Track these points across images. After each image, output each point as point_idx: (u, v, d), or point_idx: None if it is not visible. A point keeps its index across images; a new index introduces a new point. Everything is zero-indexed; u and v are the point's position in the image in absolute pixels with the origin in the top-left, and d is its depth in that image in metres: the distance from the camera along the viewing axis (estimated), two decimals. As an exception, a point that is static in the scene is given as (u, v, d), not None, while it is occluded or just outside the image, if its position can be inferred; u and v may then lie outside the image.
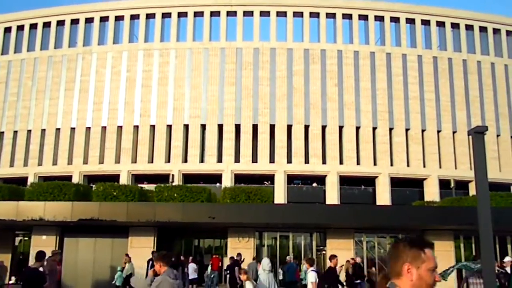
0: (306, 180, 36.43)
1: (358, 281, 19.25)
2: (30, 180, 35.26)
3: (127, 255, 21.57)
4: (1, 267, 15.41)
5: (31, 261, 15.62)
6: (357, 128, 36.47)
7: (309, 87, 36.67)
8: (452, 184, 32.32)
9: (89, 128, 37.77)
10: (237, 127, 36.18)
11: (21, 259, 26.53)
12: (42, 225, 24.75)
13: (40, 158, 38.04)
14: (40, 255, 9.24)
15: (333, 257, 12.43)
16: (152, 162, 36.50)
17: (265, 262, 10.54)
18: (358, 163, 35.81)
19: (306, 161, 35.59)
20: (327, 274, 13.05)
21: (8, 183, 31.84)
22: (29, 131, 38.72)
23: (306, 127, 36.23)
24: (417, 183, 36.20)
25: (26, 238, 28.61)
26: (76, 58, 39.01)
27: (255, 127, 36.11)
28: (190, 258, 23.87)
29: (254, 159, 35.68)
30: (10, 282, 27.17)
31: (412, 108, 36.96)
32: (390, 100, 36.95)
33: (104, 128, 37.60)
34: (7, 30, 41.62)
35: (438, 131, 37.07)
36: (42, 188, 26.00)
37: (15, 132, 39.02)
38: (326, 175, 35.23)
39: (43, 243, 23.51)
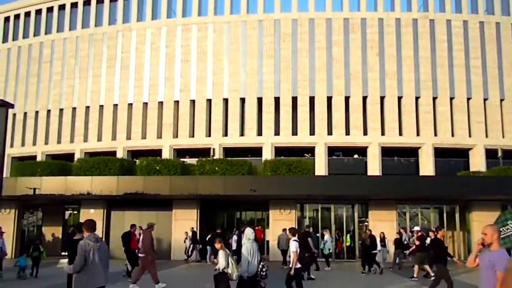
0: (347, 152, 36.06)
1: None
2: (77, 156, 36.39)
3: (141, 228, 22.58)
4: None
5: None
6: (399, 98, 35.65)
7: (349, 57, 35.97)
8: (499, 154, 31.32)
9: (131, 104, 38.44)
10: (277, 100, 36.02)
11: (72, 231, 27.49)
12: (90, 199, 25.64)
13: (86, 134, 39.11)
14: (89, 224, 9.46)
15: (439, 228, 13.10)
16: (193, 136, 36.93)
17: (249, 232, 10.58)
18: (400, 133, 35.12)
19: (347, 132, 35.18)
20: (434, 245, 13.37)
21: (56, 159, 33.02)
22: (74, 109, 39.77)
23: (347, 98, 35.70)
24: (462, 153, 35.24)
25: (75, 212, 29.70)
26: (116, 36, 39.53)
27: (294, 100, 35.84)
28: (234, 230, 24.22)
29: (294, 132, 35.54)
30: (63, 253, 28.39)
31: (457, 76, 35.75)
32: (434, 69, 35.84)
33: (145, 104, 38.18)
34: (49, 10, 42.50)
35: (485, 99, 35.80)
36: (89, 163, 26.84)
37: (61, 110, 40.16)
38: (367, 147, 34.76)
39: (91, 216, 24.19)
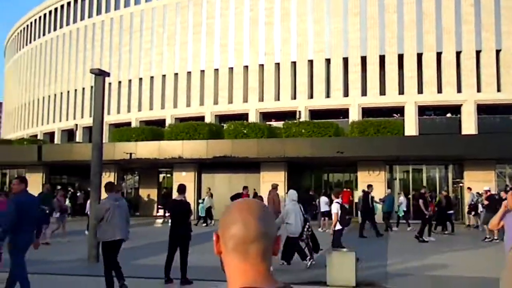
0: (439, 111, 34.41)
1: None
2: (168, 121, 37.86)
3: (209, 189, 22.96)
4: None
5: (174, 194, 16.97)
6: (497, 52, 33.18)
7: (440, 10, 33.83)
8: None
9: (217, 69, 39.09)
10: (363, 59, 34.93)
11: (165, 193, 28.98)
12: (181, 162, 26.68)
13: (175, 100, 40.49)
14: (182, 188, 9.91)
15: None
16: (278, 99, 36.98)
17: (292, 193, 11.25)
18: (498, 90, 32.83)
19: (439, 90, 33.47)
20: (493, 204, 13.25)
21: (148, 125, 34.59)
22: (163, 76, 41.20)
23: (438, 55, 33.81)
24: None
25: (168, 175, 31.15)
26: (201, 2, 40.02)
27: (382, 58, 34.56)
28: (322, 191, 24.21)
29: (382, 92, 34.42)
30: (158, 214, 30.06)
31: None
32: (537, 18, 32.85)
33: (231, 69, 38.66)
34: (137, -20, 43.84)
35: None
36: (179, 128, 27.85)
37: (151, 77, 41.77)
38: (461, 105, 32.91)
39: (183, 179, 25.35)
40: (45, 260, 11.77)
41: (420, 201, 17.19)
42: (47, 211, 15.29)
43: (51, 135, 49.13)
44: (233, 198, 16.45)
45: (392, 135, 24.73)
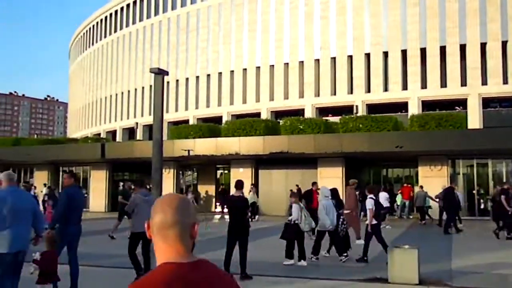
0: (505, 103, 32.82)
1: None
2: (224, 118, 38.28)
3: (252, 185, 22.82)
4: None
5: (232, 191, 17.17)
6: None
7: (506, -4, 32.28)
8: None
9: (273, 66, 39.12)
10: (423, 51, 33.89)
11: (222, 189, 29.31)
12: (238, 158, 26.89)
13: (231, 97, 40.90)
14: (239, 184, 9.97)
15: None
16: (334, 94, 36.54)
17: (324, 190, 11.76)
18: None
19: (505, 81, 31.94)
20: None
21: (205, 122, 35.13)
22: (219, 74, 41.70)
23: (504, 43, 32.25)
24: None
25: (226, 172, 31.49)
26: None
27: (442, 49, 33.39)
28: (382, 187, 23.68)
29: (443, 84, 33.27)
30: (216, 210, 30.47)
31: None
32: None
33: (286, 64, 38.57)
34: (193, -20, 44.56)
35: None
36: (236, 125, 28.07)
37: (208, 75, 42.38)
38: (530, 96, 31.29)
39: (240, 175, 25.50)
40: (117, 254, 12.20)
41: (502, 197, 16.41)
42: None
43: (113, 133, 50.92)
44: (305, 194, 16.38)
45: (455, 128, 23.85)
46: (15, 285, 6.07)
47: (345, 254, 11.30)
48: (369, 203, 11.45)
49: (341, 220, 11.60)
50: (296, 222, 10.69)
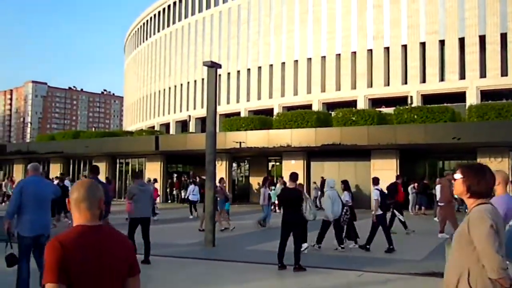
0: None
1: None
2: (275, 110, 38.26)
3: (281, 177, 22.64)
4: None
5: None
6: None
7: None
8: None
9: (324, 57, 38.70)
10: (482, 39, 32.57)
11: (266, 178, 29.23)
12: (290, 150, 26.83)
13: (282, 89, 40.81)
14: (294, 176, 9.97)
15: None
16: (388, 85, 35.77)
17: (330, 181, 12.08)
18: None
19: None
20: None
21: (256, 114, 35.22)
22: (271, 66, 41.68)
23: None
24: None
25: (277, 163, 31.52)
26: (306, -11, 39.80)
27: (503, 36, 31.96)
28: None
29: (504, 72, 31.87)
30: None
31: None
32: None
33: (338, 55, 38.07)
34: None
35: None
36: (287, 117, 27.97)
37: (259, 67, 42.46)
38: None
39: (292, 167, 25.42)
40: (169, 243, 12.53)
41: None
42: (217, 199, 15.51)
43: (166, 126, 52.03)
44: (390, 187, 16.12)
45: (516, 119, 22.78)
46: (40, 264, 6.39)
47: (342, 246, 11.64)
48: (375, 194, 11.83)
49: (344, 210, 11.84)
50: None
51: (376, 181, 12.38)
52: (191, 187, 21.54)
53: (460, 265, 3.00)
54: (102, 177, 30.12)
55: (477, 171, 3.13)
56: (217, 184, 16.11)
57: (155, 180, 23.49)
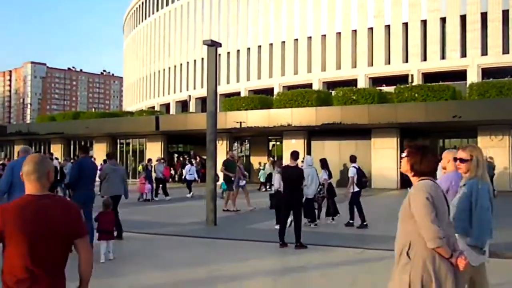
0: None
1: None
2: (276, 90, 38.12)
3: (273, 156, 22.70)
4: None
5: (285, 161, 17.23)
6: None
7: None
8: None
9: (325, 35, 38.41)
10: (483, 16, 32.27)
11: (274, 161, 29.31)
12: (291, 130, 26.85)
13: (282, 69, 40.60)
14: (295, 154, 10.00)
15: None
16: (389, 63, 35.58)
17: (309, 158, 12.55)
18: None
19: None
20: None
21: (257, 94, 35.11)
22: (270, 45, 41.39)
23: None
24: None
25: (278, 143, 31.54)
26: (306, -33, 39.28)
27: (505, 14, 31.66)
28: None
29: (505, 50, 31.66)
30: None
31: None
32: None
33: (338, 34, 37.78)
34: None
35: None
36: (287, 96, 27.91)
37: (259, 47, 42.16)
38: None
39: (292, 146, 25.43)
40: (171, 222, 12.64)
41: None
42: (232, 179, 15.45)
43: (167, 106, 51.91)
44: (291, 155, 15.99)
45: (517, 97, 22.73)
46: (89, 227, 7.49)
47: (315, 223, 11.92)
48: (351, 172, 12.04)
49: (318, 189, 12.23)
50: (279, 189, 10.92)
51: (353, 159, 12.55)
52: (188, 166, 21.89)
53: (404, 237, 3.19)
54: (102, 155, 30.45)
55: (420, 151, 3.32)
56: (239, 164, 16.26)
57: (164, 160, 23.55)
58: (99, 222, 8.00)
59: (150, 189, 19.65)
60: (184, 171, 22.55)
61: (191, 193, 20.84)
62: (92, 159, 13.37)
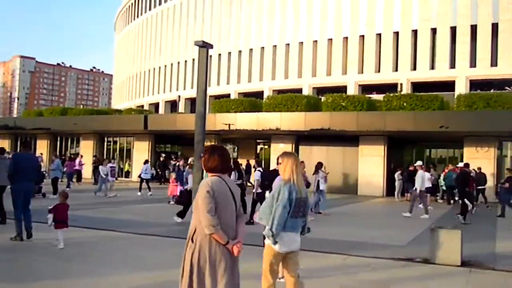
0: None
1: None
2: (266, 94, 38.18)
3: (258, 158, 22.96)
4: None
5: (272, 166, 17.33)
6: None
7: None
8: None
9: (316, 41, 38.57)
10: (473, 28, 32.65)
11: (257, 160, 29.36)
12: (279, 134, 26.87)
13: (273, 73, 40.68)
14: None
15: None
16: (379, 71, 35.82)
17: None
18: None
19: (561, 61, 30.49)
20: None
21: (247, 97, 35.14)
22: (262, 48, 41.45)
23: (562, 21, 30.68)
24: None
25: (266, 147, 31.57)
26: (300, -28, 39.44)
27: (494, 26, 32.06)
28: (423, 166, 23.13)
29: (494, 63, 32.05)
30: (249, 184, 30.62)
31: None
32: None
33: (330, 40, 37.96)
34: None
35: None
36: (277, 100, 27.95)
37: (251, 50, 42.21)
38: None
39: (280, 150, 25.35)
40: (160, 222, 12.55)
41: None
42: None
43: (156, 106, 51.71)
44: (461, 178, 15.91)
45: (504, 109, 23.01)
46: (27, 215, 9.26)
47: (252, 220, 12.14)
48: (257, 175, 13.25)
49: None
50: (191, 189, 12.06)
51: (259, 163, 14.10)
52: (144, 166, 21.97)
53: (193, 224, 3.77)
54: (89, 153, 30.18)
55: (208, 151, 3.94)
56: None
57: (146, 161, 23.36)
58: (55, 213, 8.62)
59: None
60: (141, 170, 22.58)
61: (145, 192, 20.92)
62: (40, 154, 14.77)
